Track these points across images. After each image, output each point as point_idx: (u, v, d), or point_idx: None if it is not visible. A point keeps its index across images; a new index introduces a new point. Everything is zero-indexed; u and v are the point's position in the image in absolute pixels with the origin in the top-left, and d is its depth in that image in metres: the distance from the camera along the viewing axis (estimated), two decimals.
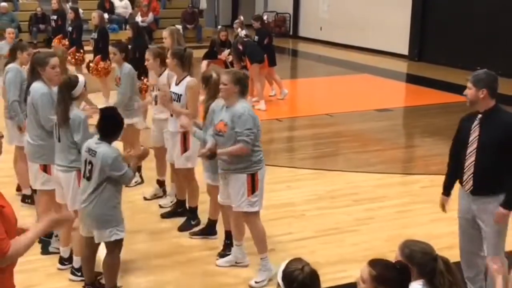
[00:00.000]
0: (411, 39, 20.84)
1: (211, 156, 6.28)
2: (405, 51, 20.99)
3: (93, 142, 5.85)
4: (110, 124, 5.88)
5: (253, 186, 6.23)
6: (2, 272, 3.74)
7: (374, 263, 3.83)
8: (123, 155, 6.07)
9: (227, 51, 14.68)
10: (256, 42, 14.21)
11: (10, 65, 8.12)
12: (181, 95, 7.43)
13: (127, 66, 8.59)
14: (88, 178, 5.82)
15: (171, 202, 8.36)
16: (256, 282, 6.43)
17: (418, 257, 3.99)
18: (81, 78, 6.36)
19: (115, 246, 5.94)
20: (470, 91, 5.51)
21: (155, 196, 8.63)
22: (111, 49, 8.87)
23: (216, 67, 8.23)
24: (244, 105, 6.19)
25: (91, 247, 6.07)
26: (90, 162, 5.79)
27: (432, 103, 14.76)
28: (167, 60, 7.63)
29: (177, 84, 7.54)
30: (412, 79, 18.64)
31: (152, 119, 8.46)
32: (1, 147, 4.04)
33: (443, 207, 6.03)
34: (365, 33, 22.33)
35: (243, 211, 6.32)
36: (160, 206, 8.34)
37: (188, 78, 7.47)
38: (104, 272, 6.06)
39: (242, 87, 6.21)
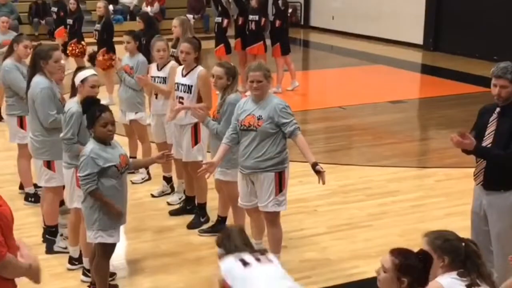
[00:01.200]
0: (426, 28, 20.75)
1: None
2: (419, 40, 20.90)
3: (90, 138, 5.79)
4: (86, 116, 5.74)
5: (280, 185, 6.25)
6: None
7: (397, 252, 3.89)
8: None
9: None
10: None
11: (7, 62, 8.05)
12: (191, 86, 7.46)
13: (141, 56, 8.71)
14: None
15: (180, 199, 8.39)
16: None
17: (449, 246, 4.02)
18: (84, 72, 6.32)
19: (101, 250, 5.82)
20: (506, 90, 5.31)
21: (163, 193, 8.67)
22: (125, 37, 8.97)
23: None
24: (277, 98, 6.37)
25: (94, 247, 6.03)
26: None
27: (448, 94, 14.71)
28: (186, 53, 7.51)
29: (185, 76, 7.55)
30: (427, 69, 18.59)
31: (152, 114, 8.49)
32: None
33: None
34: (379, 22, 22.26)
35: (270, 211, 6.32)
36: (168, 203, 8.37)
37: (199, 68, 7.50)
38: (94, 275, 6.02)
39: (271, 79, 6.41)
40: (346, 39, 23.08)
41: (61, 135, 6.21)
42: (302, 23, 26.22)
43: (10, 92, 8.13)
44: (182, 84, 7.52)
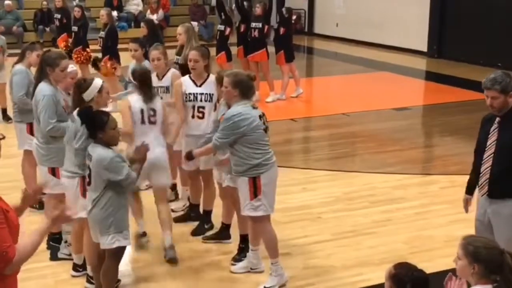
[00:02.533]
0: (430, 35, 20.78)
1: (188, 156, 6.73)
2: (423, 47, 20.93)
3: (91, 145, 5.80)
4: (87, 124, 5.77)
5: (255, 190, 6.22)
6: (4, 278, 3.76)
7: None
8: (129, 155, 6.09)
9: None
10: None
11: (17, 67, 8.16)
12: (212, 94, 7.47)
13: (148, 63, 8.69)
14: (89, 183, 5.83)
15: (184, 206, 8.40)
16: (265, 287, 6.45)
17: (484, 253, 3.90)
18: (96, 82, 6.33)
19: (115, 254, 5.88)
20: (498, 100, 5.36)
21: (167, 200, 8.66)
22: (132, 45, 9.01)
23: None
24: (233, 108, 6.27)
25: (100, 253, 6.04)
26: (89, 167, 5.78)
27: (452, 101, 14.73)
28: (195, 61, 7.52)
29: (200, 86, 7.53)
30: (431, 76, 18.59)
31: None
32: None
33: (465, 206, 6.02)
34: (383, 29, 22.30)
35: (247, 215, 6.37)
36: (173, 210, 8.37)
37: (213, 76, 7.49)
38: (102, 280, 6.03)
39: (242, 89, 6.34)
40: (350, 46, 23.12)
41: (75, 146, 6.18)
42: (306, 30, 26.28)
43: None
44: (201, 94, 7.49)
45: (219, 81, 6.91)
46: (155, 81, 8.08)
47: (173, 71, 8.16)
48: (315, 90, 17.14)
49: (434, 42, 20.66)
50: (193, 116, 7.53)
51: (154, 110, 7.02)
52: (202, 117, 7.50)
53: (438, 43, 20.59)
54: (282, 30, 14.50)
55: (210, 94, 7.47)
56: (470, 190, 5.98)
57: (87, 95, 6.22)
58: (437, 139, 12.45)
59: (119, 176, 5.66)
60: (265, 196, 6.25)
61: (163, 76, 8.09)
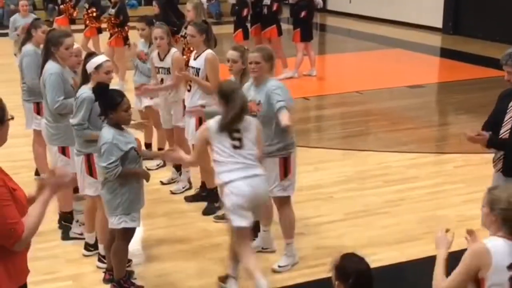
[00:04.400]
0: (446, 11, 20.65)
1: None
2: (439, 24, 20.82)
3: (103, 124, 5.81)
4: (100, 101, 5.77)
5: (285, 169, 6.26)
6: (13, 257, 3.80)
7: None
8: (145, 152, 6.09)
9: None
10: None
11: (27, 47, 8.17)
12: (199, 69, 7.56)
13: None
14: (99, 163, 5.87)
15: (183, 187, 8.44)
16: (279, 266, 6.49)
17: (504, 203, 3.89)
18: (97, 58, 6.32)
19: (122, 235, 5.90)
20: None
21: (172, 181, 8.71)
22: (139, 24, 9.02)
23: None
24: (274, 80, 6.34)
25: (112, 232, 6.08)
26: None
27: (467, 79, 14.69)
28: (191, 36, 7.69)
29: (195, 59, 7.68)
30: (446, 53, 18.52)
31: (160, 100, 8.52)
32: (7, 130, 4.02)
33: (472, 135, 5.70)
34: (397, 5, 22.17)
35: (276, 196, 6.37)
36: (172, 192, 8.40)
37: (207, 51, 7.58)
38: (111, 260, 6.08)
39: (272, 63, 6.35)
40: (363, 22, 23.02)
41: (71, 120, 6.26)
42: (319, 6, 26.13)
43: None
44: (192, 67, 7.67)
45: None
46: (156, 61, 8.15)
47: (174, 52, 8.16)
48: (327, 68, 17.10)
49: (450, 18, 20.53)
50: (188, 89, 7.85)
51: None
52: (189, 91, 7.75)
53: (453, 19, 20.46)
54: (303, 13, 14.55)
55: (197, 68, 7.60)
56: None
57: (88, 68, 6.26)
58: (452, 117, 12.43)
59: (101, 162, 5.68)
60: (293, 176, 6.34)
61: (164, 56, 8.13)
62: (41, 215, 3.85)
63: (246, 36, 14.85)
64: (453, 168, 9.21)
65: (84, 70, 6.32)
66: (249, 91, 6.33)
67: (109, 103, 5.70)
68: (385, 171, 9.12)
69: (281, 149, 6.21)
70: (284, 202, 6.45)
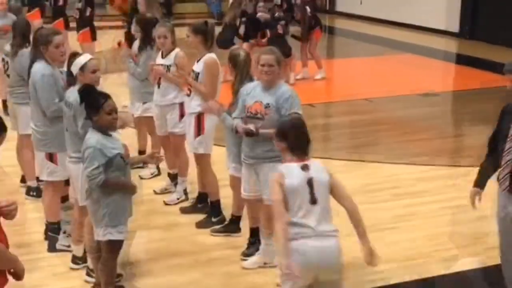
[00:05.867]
0: (462, 14, 20.68)
1: (252, 133, 6.27)
2: (455, 28, 20.85)
3: (90, 129, 5.80)
4: (84, 103, 5.79)
5: None
6: None
7: None
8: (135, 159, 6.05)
9: None
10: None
11: (24, 51, 8.13)
12: (198, 73, 7.58)
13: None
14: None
15: (178, 199, 8.44)
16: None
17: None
18: (80, 58, 6.31)
19: (109, 248, 5.88)
20: None
21: (166, 191, 8.70)
22: (135, 28, 9.10)
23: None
24: (286, 86, 6.41)
25: (98, 245, 6.06)
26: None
27: (484, 87, 14.66)
28: (189, 37, 7.75)
29: (198, 61, 7.70)
30: (462, 59, 18.55)
31: (155, 105, 8.53)
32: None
33: (473, 201, 5.96)
34: (410, 7, 22.20)
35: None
36: (165, 203, 8.38)
37: (207, 55, 7.60)
38: (99, 274, 6.06)
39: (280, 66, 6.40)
40: (374, 25, 23.06)
41: (79, 127, 6.22)
42: (327, 8, 26.21)
43: (22, 81, 8.18)
44: (193, 71, 7.69)
45: (232, 60, 6.96)
46: (158, 59, 8.19)
47: (177, 51, 8.18)
48: (335, 73, 17.13)
49: (467, 22, 20.55)
50: (187, 94, 7.91)
51: None
52: (189, 95, 7.83)
53: (470, 24, 20.48)
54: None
55: (196, 72, 7.63)
56: (481, 183, 5.94)
57: (73, 69, 6.27)
58: (467, 128, 12.43)
59: (86, 168, 5.65)
60: None
61: (167, 54, 8.16)
62: (14, 264, 3.95)
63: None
64: (467, 182, 9.11)
65: (70, 72, 6.35)
66: (254, 91, 6.36)
67: (92, 105, 5.72)
68: (395, 184, 9.13)
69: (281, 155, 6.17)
70: None
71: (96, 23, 15.12)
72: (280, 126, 5.30)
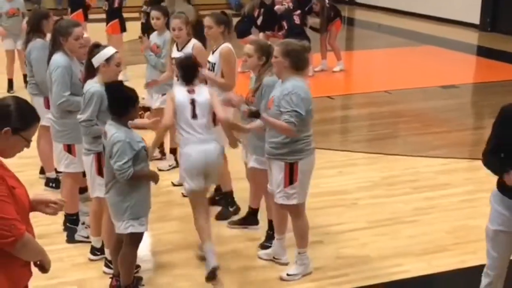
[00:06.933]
0: (483, 6, 20.58)
1: (251, 114, 6.18)
2: (475, 20, 20.74)
3: (109, 123, 5.79)
4: (116, 100, 5.75)
5: (291, 177, 6.18)
6: (12, 258, 3.82)
7: None
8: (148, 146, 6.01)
9: None
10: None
11: (37, 41, 8.15)
12: (214, 63, 7.57)
13: (169, 34, 8.69)
14: (105, 164, 5.90)
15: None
16: (288, 275, 6.49)
17: None
18: (107, 49, 6.32)
19: (130, 240, 5.92)
20: None
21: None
22: (154, 13, 9.07)
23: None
24: (294, 81, 6.09)
25: (119, 237, 6.08)
26: (103, 146, 5.84)
27: (505, 79, 14.63)
28: (208, 28, 7.70)
29: (214, 52, 7.69)
30: (483, 51, 18.44)
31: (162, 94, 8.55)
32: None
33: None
34: None
35: (279, 203, 6.37)
36: (183, 195, 8.39)
37: (223, 45, 7.60)
38: (119, 266, 6.10)
39: (294, 60, 6.12)
40: (394, 16, 22.99)
41: (79, 116, 6.28)
42: None
43: (33, 72, 8.23)
44: (208, 62, 7.67)
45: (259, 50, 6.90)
46: (173, 52, 8.17)
47: (195, 42, 8.15)
48: (355, 64, 17.09)
49: (488, 14, 20.45)
50: None
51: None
52: None
53: (492, 15, 20.37)
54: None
55: (213, 63, 7.63)
56: (507, 166, 5.12)
57: (95, 61, 6.26)
58: (488, 121, 12.25)
59: (116, 162, 5.63)
60: (300, 184, 6.23)
61: (183, 47, 8.13)
62: (42, 254, 4.00)
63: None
64: (487, 175, 9.05)
65: (90, 63, 6.36)
66: (277, 85, 6.26)
67: (129, 100, 5.73)
68: (415, 177, 9.11)
69: (287, 153, 6.14)
70: (292, 210, 6.40)
71: None
72: (176, 63, 6.93)
